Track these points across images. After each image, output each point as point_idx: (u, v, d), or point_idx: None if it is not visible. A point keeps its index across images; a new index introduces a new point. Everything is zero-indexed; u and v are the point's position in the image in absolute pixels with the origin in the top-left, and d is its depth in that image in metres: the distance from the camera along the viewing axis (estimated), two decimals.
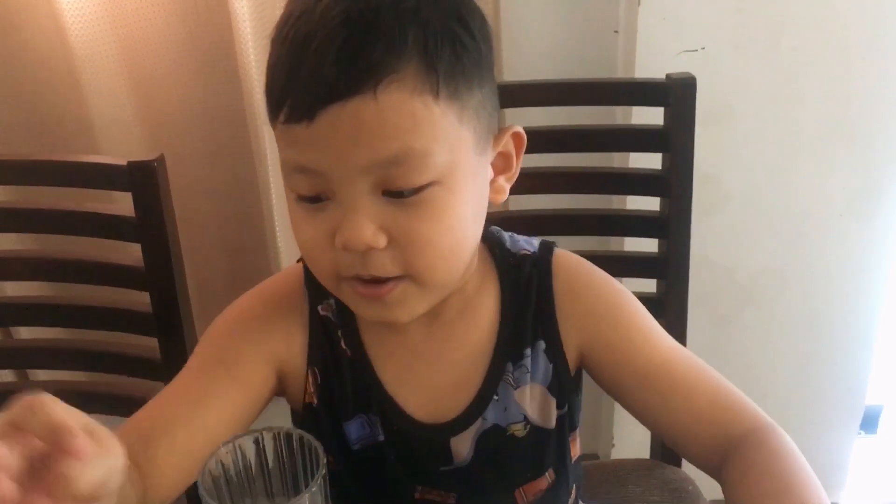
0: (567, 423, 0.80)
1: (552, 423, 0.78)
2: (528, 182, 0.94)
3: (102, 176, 1.00)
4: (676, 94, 1.05)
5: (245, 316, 0.78)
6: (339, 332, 0.77)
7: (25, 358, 1.19)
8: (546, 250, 0.79)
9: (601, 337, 0.77)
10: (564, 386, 0.77)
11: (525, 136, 0.72)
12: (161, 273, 1.00)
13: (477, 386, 0.76)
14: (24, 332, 1.40)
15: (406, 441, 0.76)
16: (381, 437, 0.77)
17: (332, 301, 0.77)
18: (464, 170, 0.64)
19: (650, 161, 1.13)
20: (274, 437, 0.60)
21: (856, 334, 1.60)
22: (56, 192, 1.05)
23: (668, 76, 1.07)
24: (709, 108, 1.14)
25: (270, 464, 0.60)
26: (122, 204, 1.04)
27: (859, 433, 1.74)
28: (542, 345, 0.76)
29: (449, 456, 0.77)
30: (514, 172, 0.73)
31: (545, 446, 0.79)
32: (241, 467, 0.60)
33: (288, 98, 0.61)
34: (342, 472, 0.78)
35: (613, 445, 1.72)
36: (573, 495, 0.88)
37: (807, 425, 1.68)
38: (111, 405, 1.10)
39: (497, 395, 0.76)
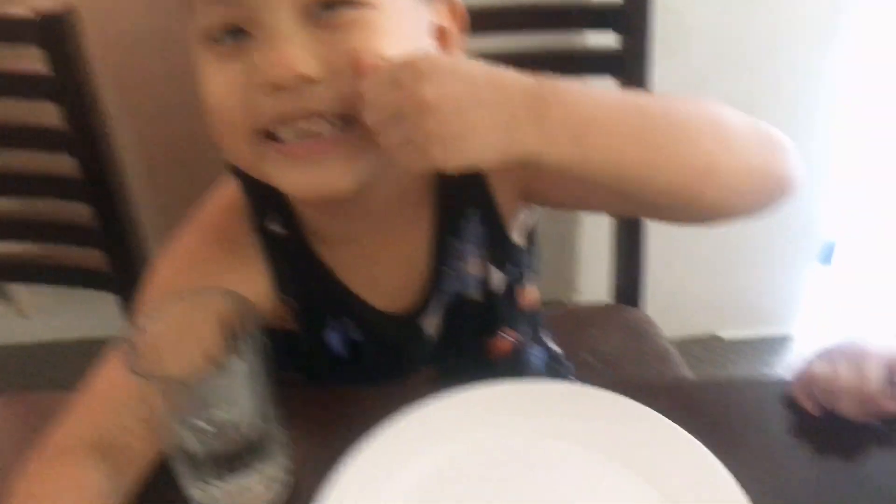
0: (517, 280, 0.79)
1: (501, 286, 0.77)
2: (484, 20, 0.89)
3: (11, 30, 0.91)
4: None
5: (195, 263, 0.70)
6: (295, 249, 0.72)
7: None
8: None
9: (540, 175, 0.72)
10: (507, 249, 0.76)
11: (466, 15, 0.66)
12: (85, 134, 0.93)
13: (430, 266, 0.74)
14: None
15: (383, 336, 0.76)
16: (360, 338, 0.76)
17: (275, 215, 0.71)
18: (401, 10, 0.59)
19: None
20: (205, 304, 0.57)
21: (813, 167, 1.59)
22: None
23: None
24: None
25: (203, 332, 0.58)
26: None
27: (816, 266, 1.76)
28: (477, 213, 0.73)
29: (423, 336, 0.77)
30: (455, 49, 0.66)
31: (498, 306, 0.78)
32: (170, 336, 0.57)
33: None
34: (330, 381, 0.77)
35: (578, 294, 1.74)
36: (541, 351, 0.89)
37: (765, 259, 1.70)
38: (50, 275, 1.06)
39: (448, 267, 0.74)
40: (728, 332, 1.83)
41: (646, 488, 0.58)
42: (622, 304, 1.18)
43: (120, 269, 1.01)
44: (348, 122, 0.58)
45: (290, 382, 0.76)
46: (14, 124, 0.97)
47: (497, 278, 0.77)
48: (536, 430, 0.63)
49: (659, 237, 1.39)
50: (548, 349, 0.91)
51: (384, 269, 0.74)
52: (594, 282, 1.65)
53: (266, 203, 0.70)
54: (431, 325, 0.77)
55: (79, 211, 1.02)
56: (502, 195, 0.73)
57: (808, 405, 0.63)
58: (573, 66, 1.12)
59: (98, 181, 0.96)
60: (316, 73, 0.56)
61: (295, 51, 0.55)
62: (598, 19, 1.07)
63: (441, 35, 0.65)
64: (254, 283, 0.70)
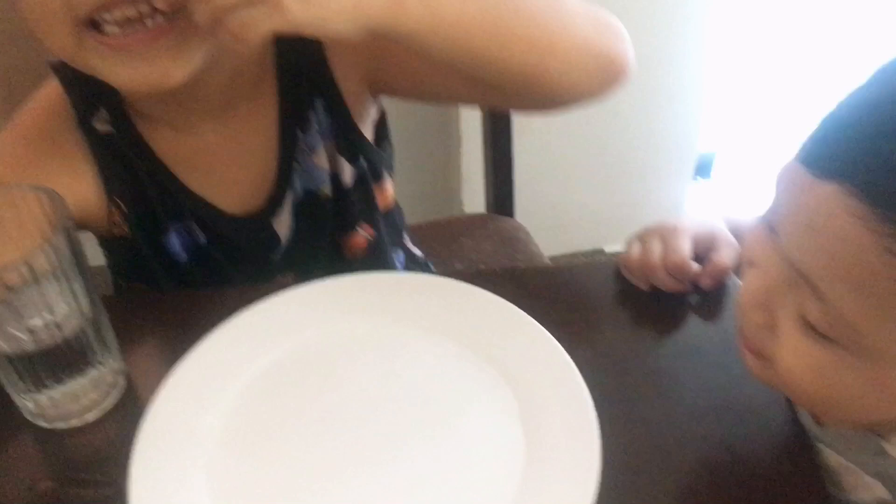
0: (369, 175, 0.78)
1: (350, 179, 0.76)
2: None
3: None
4: None
5: (17, 166, 0.66)
6: (126, 146, 0.68)
7: None
8: None
9: (385, 56, 0.71)
10: (354, 141, 0.75)
11: None
12: None
13: (277, 162, 0.72)
14: None
15: (230, 239, 0.74)
16: (203, 240, 0.73)
17: (102, 111, 0.67)
18: None
19: None
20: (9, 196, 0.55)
21: (687, 81, 1.62)
22: None
23: None
24: None
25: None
26: None
27: (695, 179, 1.81)
28: (321, 103, 0.72)
29: (275, 238, 0.75)
30: None
31: (350, 202, 0.77)
32: None
33: None
34: (173, 288, 0.75)
35: (462, 211, 1.74)
36: (401, 254, 0.89)
37: (645, 173, 1.74)
38: None
39: (297, 162, 0.73)
40: (612, 247, 1.88)
41: (487, 369, 0.59)
42: (496, 215, 1.20)
43: None
44: (175, 11, 0.55)
45: (131, 290, 0.75)
46: None
47: (348, 172, 0.75)
48: (379, 320, 0.63)
49: (534, 150, 1.41)
50: (408, 252, 0.91)
51: (229, 166, 0.71)
52: (475, 198, 1.66)
53: (92, 99, 0.66)
54: (282, 224, 0.75)
55: None
56: (346, 83, 0.72)
57: (634, 281, 0.65)
58: None
59: None
60: None
61: None
62: None
63: None
64: (81, 186, 0.67)
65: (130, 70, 0.57)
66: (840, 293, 0.41)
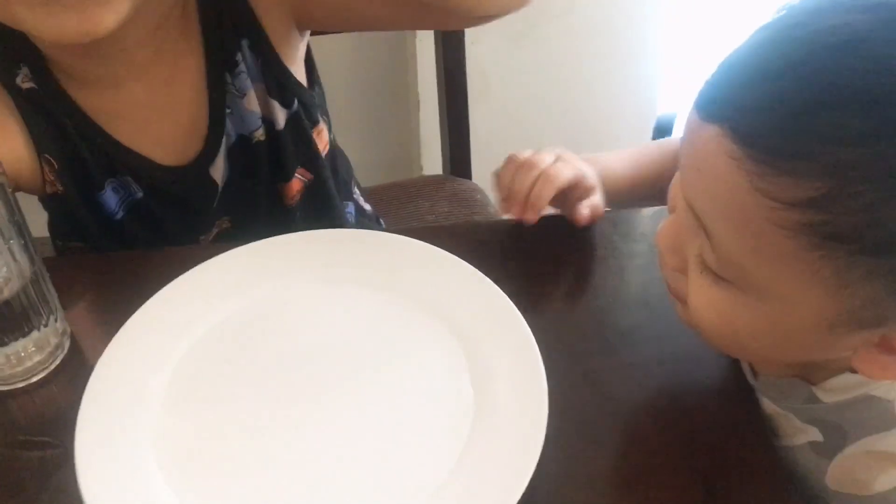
0: (304, 118, 0.77)
1: (283, 122, 0.75)
2: None
3: None
4: None
5: None
6: (53, 104, 0.67)
7: None
8: None
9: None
10: (284, 82, 0.74)
11: None
12: None
13: (208, 108, 0.71)
14: None
15: (166, 190, 0.73)
16: (139, 194, 0.72)
17: (24, 69, 0.66)
18: None
19: None
20: None
21: (646, 44, 1.62)
22: None
23: None
24: None
25: None
26: None
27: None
28: (246, 43, 0.71)
29: (213, 185, 0.74)
30: None
31: (284, 145, 0.76)
32: None
33: None
34: (110, 246, 0.74)
35: (422, 173, 1.74)
36: (351, 207, 0.88)
37: (603, 135, 1.74)
38: None
39: (228, 107, 0.72)
40: None
41: (436, 323, 0.59)
42: (452, 177, 1.19)
43: None
44: None
45: (70, 250, 0.73)
46: None
47: (281, 115, 0.74)
48: (325, 276, 0.62)
49: (491, 113, 1.40)
50: (358, 206, 0.91)
51: (158, 115, 0.70)
52: (434, 162, 1.66)
53: (12, 56, 0.65)
54: (217, 172, 0.74)
55: None
56: (270, 20, 0.71)
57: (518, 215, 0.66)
58: None
59: None
60: None
61: None
62: None
63: None
64: (10, 143, 0.66)
65: (59, 20, 0.55)
66: (724, 233, 0.42)
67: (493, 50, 1.47)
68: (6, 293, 0.54)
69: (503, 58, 1.51)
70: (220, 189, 0.75)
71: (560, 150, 0.67)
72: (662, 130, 1.88)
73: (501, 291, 0.59)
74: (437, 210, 1.12)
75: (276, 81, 0.73)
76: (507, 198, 0.65)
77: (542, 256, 0.66)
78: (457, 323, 0.58)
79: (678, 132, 1.93)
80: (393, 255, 0.63)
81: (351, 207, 0.89)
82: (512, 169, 0.66)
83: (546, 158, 0.65)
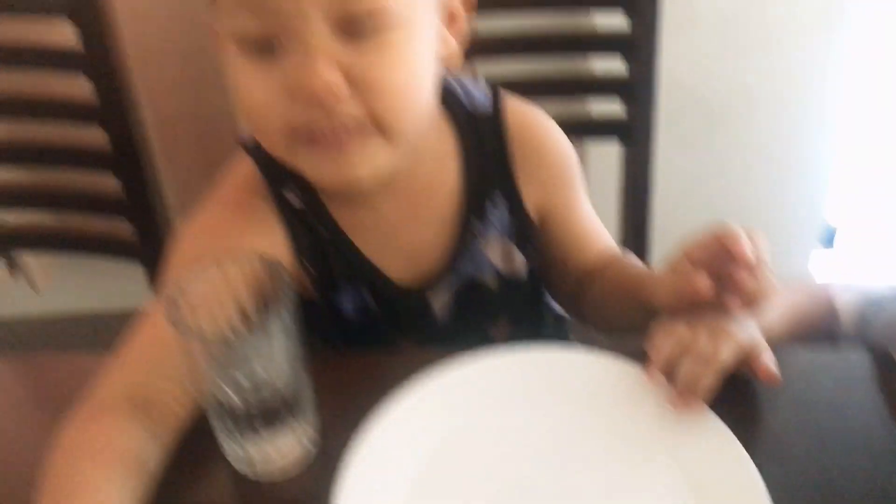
0: (535, 263, 0.82)
1: (523, 274, 0.81)
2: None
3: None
4: None
5: (217, 233, 0.73)
6: (312, 215, 0.75)
7: None
8: (497, 101, 0.78)
9: (549, 191, 0.79)
10: (527, 233, 0.80)
11: None
12: (115, 107, 0.96)
13: (448, 244, 0.78)
14: None
15: (391, 303, 0.79)
16: (372, 304, 0.79)
17: (292, 183, 0.74)
18: (421, 17, 0.63)
19: None
20: (240, 266, 0.61)
21: (818, 154, 1.62)
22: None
23: None
24: None
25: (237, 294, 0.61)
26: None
27: (820, 248, 1.79)
28: (501, 199, 0.78)
29: (430, 312, 0.81)
30: (461, 31, 0.70)
31: (516, 297, 0.82)
32: (206, 297, 0.60)
33: None
34: (342, 346, 0.81)
35: None
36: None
37: (770, 240, 1.73)
38: (78, 245, 1.09)
39: (467, 249, 0.78)
40: None
41: (658, 455, 0.61)
42: None
43: (145, 238, 1.05)
44: (372, 121, 0.63)
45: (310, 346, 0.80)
46: (43, 96, 1.00)
47: (520, 266, 0.80)
48: (550, 398, 0.66)
49: (666, 216, 1.42)
50: (550, 308, 0.94)
51: (400, 236, 0.77)
52: None
53: (282, 175, 0.72)
54: (440, 303, 0.80)
55: (104, 181, 1.05)
56: (528, 189, 0.78)
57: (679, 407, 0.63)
58: (581, 47, 1.14)
59: (126, 152, 0.99)
60: (344, 92, 0.60)
61: (326, 69, 0.59)
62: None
63: (451, 18, 0.69)
64: (273, 248, 0.73)
65: (328, 168, 0.65)
66: None
67: (663, 156, 1.50)
68: (277, 385, 0.60)
69: (674, 165, 1.54)
70: (437, 320, 0.81)
71: (717, 315, 0.64)
72: (829, 241, 1.85)
73: (723, 424, 0.61)
74: None
75: (523, 235, 0.80)
76: (665, 378, 0.64)
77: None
78: (679, 456, 0.61)
79: (839, 247, 1.90)
80: (610, 381, 0.66)
81: (548, 310, 0.93)
82: (668, 344, 0.64)
83: (702, 339, 0.63)
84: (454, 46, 0.69)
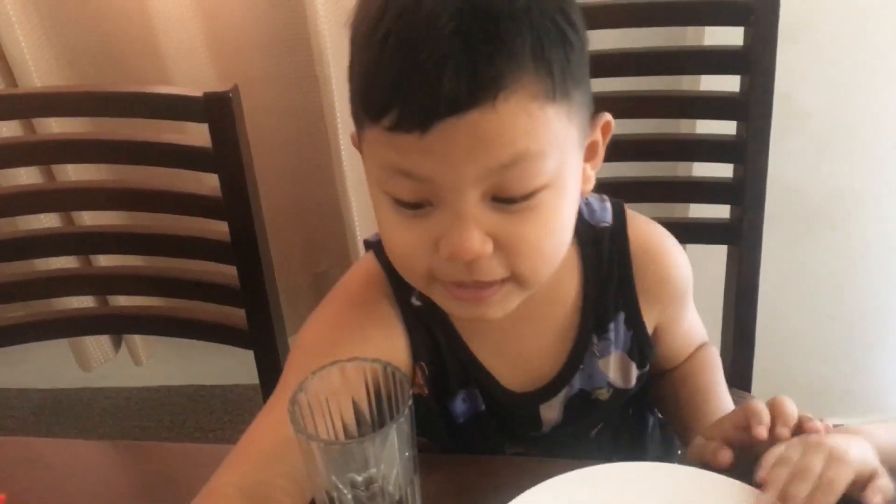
0: (646, 377, 0.83)
1: (632, 384, 0.81)
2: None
3: (178, 107, 1.00)
4: (759, 12, 1.01)
5: (340, 327, 0.75)
6: (432, 319, 0.77)
7: (105, 285, 1.23)
8: (620, 220, 0.79)
9: (667, 310, 0.81)
10: (644, 349, 0.80)
11: (613, 125, 0.69)
12: (238, 202, 1.01)
13: (564, 357, 0.79)
14: (104, 262, 1.45)
15: (502, 409, 0.80)
16: (483, 408, 0.80)
17: (416, 293, 0.76)
18: (570, 169, 0.63)
19: (722, 84, 1.09)
20: (361, 369, 0.62)
21: None
22: (128, 123, 1.06)
23: None
24: (789, 23, 1.09)
25: (356, 396, 0.62)
26: (193, 134, 1.05)
27: None
28: (622, 316, 0.79)
29: (539, 421, 0.81)
30: (600, 160, 0.71)
31: (623, 404, 0.83)
32: (326, 397, 0.61)
33: (395, 106, 0.57)
34: (448, 445, 0.82)
35: None
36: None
37: (876, 345, 1.67)
38: (190, 330, 1.14)
39: (583, 364, 0.79)
40: (832, 419, 1.78)
41: None
42: (734, 388, 1.18)
43: (258, 328, 1.09)
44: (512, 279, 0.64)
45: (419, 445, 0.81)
46: (175, 192, 1.06)
47: (633, 376, 0.81)
48: None
49: (769, 316, 1.39)
50: (654, 415, 0.93)
51: (517, 348, 0.78)
52: None
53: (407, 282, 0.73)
54: (550, 412, 0.80)
55: (220, 269, 1.10)
56: (648, 309, 0.79)
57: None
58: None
59: (246, 245, 1.04)
60: (491, 254, 0.61)
61: (475, 235, 0.60)
62: (718, 110, 1.10)
63: (591, 151, 0.69)
64: (392, 347, 0.75)
65: (460, 309, 0.68)
66: None
67: (767, 255, 1.48)
68: (390, 488, 0.60)
69: (778, 264, 1.51)
70: (543, 429, 0.81)
71: (829, 436, 0.66)
72: None
73: None
74: None
75: (639, 350, 0.80)
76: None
77: None
78: None
79: None
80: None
81: (651, 420, 0.92)
82: (783, 472, 0.63)
83: (817, 463, 0.63)
84: (592, 178, 0.70)
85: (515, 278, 0.64)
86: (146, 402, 2.04)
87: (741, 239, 1.11)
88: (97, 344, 1.76)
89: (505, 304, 0.66)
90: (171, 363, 1.95)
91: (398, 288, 0.76)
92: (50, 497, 0.74)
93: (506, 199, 0.60)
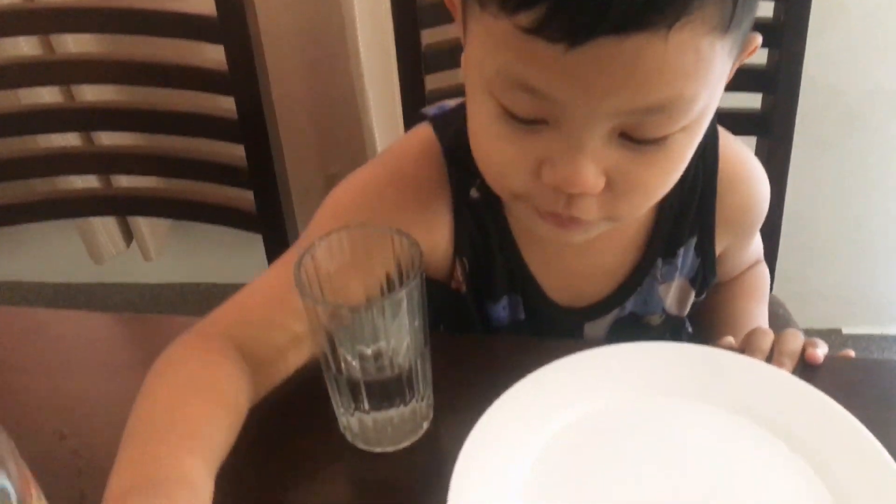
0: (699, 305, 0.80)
1: (686, 311, 0.78)
2: None
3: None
4: None
5: (381, 199, 0.68)
6: (487, 215, 0.70)
7: (109, 164, 1.19)
8: (713, 138, 0.71)
9: (739, 236, 0.77)
10: (708, 278, 0.76)
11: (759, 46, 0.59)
12: (245, 74, 0.97)
13: (622, 277, 0.74)
14: (107, 141, 1.41)
15: (543, 322, 0.75)
16: (523, 316, 0.75)
17: (479, 181, 0.67)
18: (712, 107, 0.54)
19: None
20: (368, 235, 0.59)
21: None
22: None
23: None
24: None
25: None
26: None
27: None
28: (694, 241, 0.73)
29: (580, 337, 0.77)
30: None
31: (677, 330, 0.79)
32: (334, 267, 0.58)
33: (543, 5, 0.46)
34: None
35: None
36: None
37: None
38: (198, 212, 1.11)
39: (641, 286, 0.74)
40: (850, 328, 1.77)
41: (793, 456, 0.58)
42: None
43: (267, 210, 1.05)
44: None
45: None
46: (179, 64, 1.02)
47: (689, 302, 0.77)
48: (679, 391, 0.63)
49: (796, 218, 1.35)
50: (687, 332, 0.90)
51: (572, 263, 0.73)
52: None
53: (475, 170, 0.63)
54: (594, 331, 0.76)
55: (227, 150, 1.07)
56: (723, 233, 0.74)
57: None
58: None
59: (254, 121, 0.99)
60: (599, 191, 0.54)
61: (591, 170, 0.52)
62: None
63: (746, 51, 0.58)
64: (435, 235, 0.70)
65: (544, 230, 0.61)
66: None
67: (797, 155, 1.43)
68: (400, 363, 0.58)
69: (807, 165, 1.46)
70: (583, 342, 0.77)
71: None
72: None
73: (854, 418, 0.57)
74: None
75: (703, 278, 0.76)
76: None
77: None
78: (814, 457, 0.57)
79: None
80: (749, 379, 0.63)
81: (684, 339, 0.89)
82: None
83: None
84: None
85: (611, 217, 0.58)
86: (159, 299, 2.04)
87: (771, 131, 1.06)
88: (108, 234, 1.75)
89: (590, 233, 0.61)
90: (182, 260, 1.93)
91: (457, 175, 0.68)
92: (54, 367, 0.72)
93: (635, 140, 0.52)
